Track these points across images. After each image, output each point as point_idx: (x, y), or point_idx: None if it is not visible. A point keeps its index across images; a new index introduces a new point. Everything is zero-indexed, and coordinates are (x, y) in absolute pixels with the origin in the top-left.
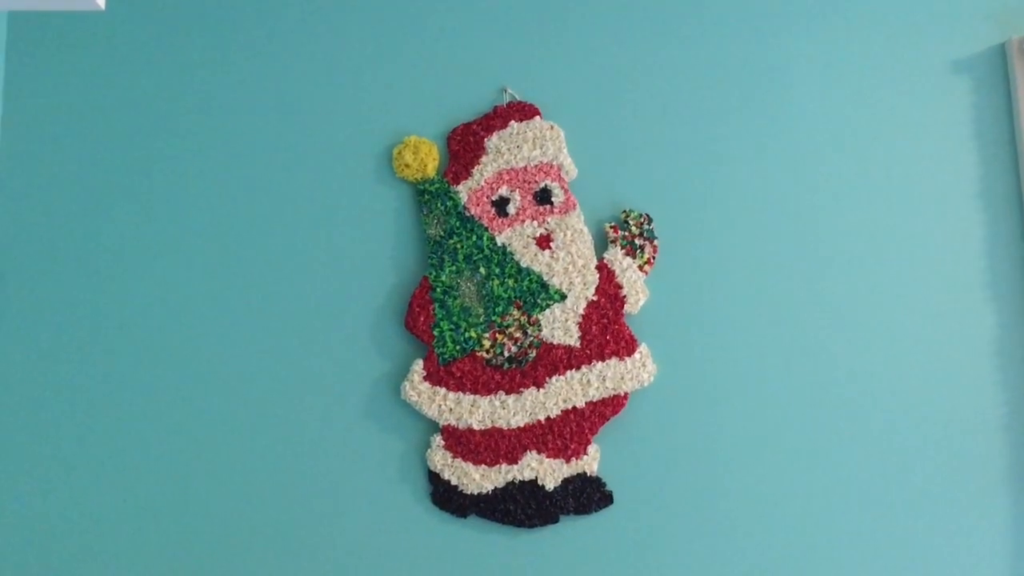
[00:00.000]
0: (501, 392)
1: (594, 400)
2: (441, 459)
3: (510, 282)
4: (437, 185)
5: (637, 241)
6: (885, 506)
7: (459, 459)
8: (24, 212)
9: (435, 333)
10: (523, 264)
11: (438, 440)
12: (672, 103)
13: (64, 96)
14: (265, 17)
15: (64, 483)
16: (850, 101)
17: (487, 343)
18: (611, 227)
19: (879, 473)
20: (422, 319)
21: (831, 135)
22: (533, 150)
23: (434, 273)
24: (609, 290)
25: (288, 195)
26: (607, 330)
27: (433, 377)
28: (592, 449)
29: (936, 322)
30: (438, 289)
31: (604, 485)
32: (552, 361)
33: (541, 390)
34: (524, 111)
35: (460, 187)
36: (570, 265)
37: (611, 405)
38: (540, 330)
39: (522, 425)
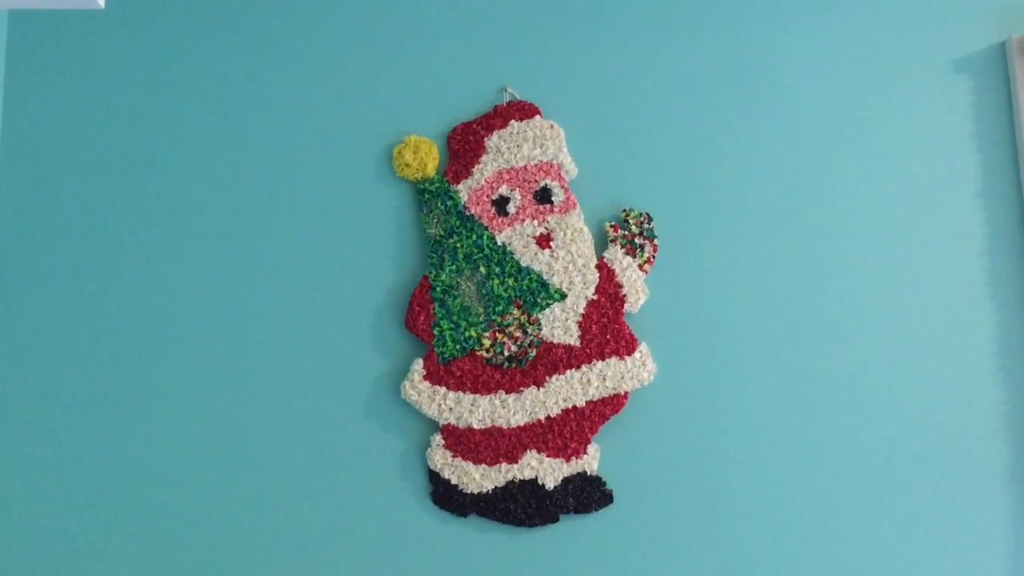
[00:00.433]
0: (501, 391)
1: (594, 399)
2: (441, 458)
3: (510, 281)
4: (437, 184)
5: (637, 240)
6: (885, 505)
7: (459, 458)
8: (25, 211)
9: (435, 332)
10: (523, 263)
11: (438, 439)
12: (672, 102)
13: (65, 95)
14: (266, 17)
15: (67, 483)
16: (850, 100)
17: (487, 342)
18: (611, 226)
19: (879, 472)
20: (422, 318)
21: (831, 134)
22: (533, 149)
23: (434, 272)
24: (609, 289)
25: (288, 195)
26: (607, 329)
27: (433, 376)
28: (592, 448)
29: (936, 320)
30: (438, 288)
31: (604, 484)
32: (552, 360)
33: (541, 389)
34: (524, 110)
35: (460, 186)
36: (570, 264)
37: (611, 404)
38: (540, 329)
39: (522, 424)
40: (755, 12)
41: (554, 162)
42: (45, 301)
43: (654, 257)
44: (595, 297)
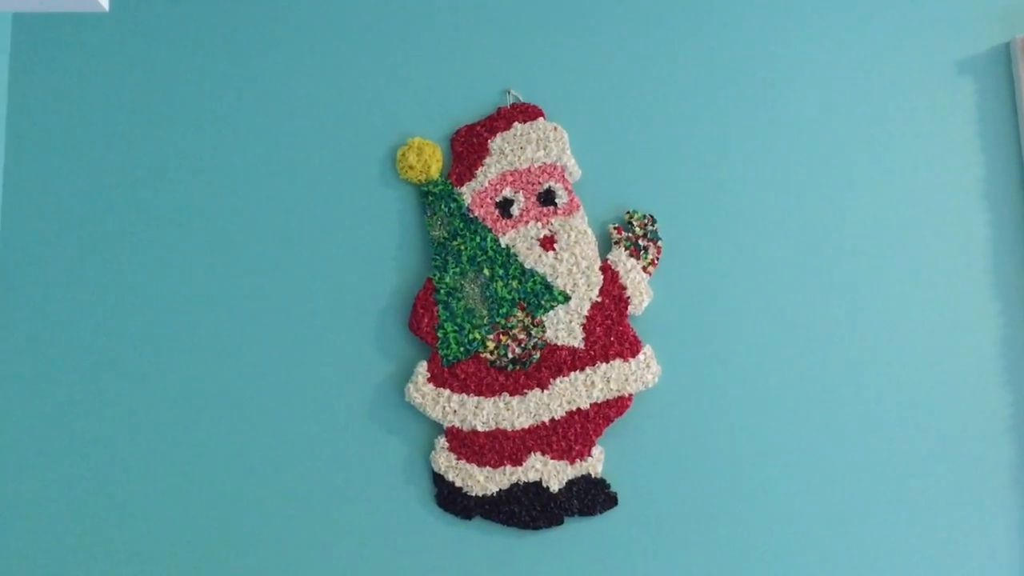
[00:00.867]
0: (505, 394)
1: (598, 401)
2: (445, 461)
3: (514, 283)
4: (441, 187)
5: (641, 242)
6: (891, 508)
7: (463, 461)
8: (30, 213)
9: (439, 335)
10: (527, 265)
11: (442, 442)
12: (675, 104)
13: (69, 97)
14: (269, 19)
15: (71, 488)
16: (854, 101)
17: (491, 345)
18: (615, 228)
19: (885, 475)
20: (426, 321)
21: (835, 135)
22: (537, 151)
23: (438, 275)
24: (613, 291)
25: (292, 197)
26: (611, 331)
27: (437, 379)
28: (596, 451)
29: (941, 322)
30: (442, 291)
31: (608, 487)
32: (556, 362)
33: (545, 392)
34: (527, 112)
35: (464, 189)
36: (574, 266)
37: (615, 406)
38: (544, 331)
39: (526, 427)
40: (759, 13)
41: (558, 164)
42: (51, 304)
43: (658, 259)
44: (599, 299)
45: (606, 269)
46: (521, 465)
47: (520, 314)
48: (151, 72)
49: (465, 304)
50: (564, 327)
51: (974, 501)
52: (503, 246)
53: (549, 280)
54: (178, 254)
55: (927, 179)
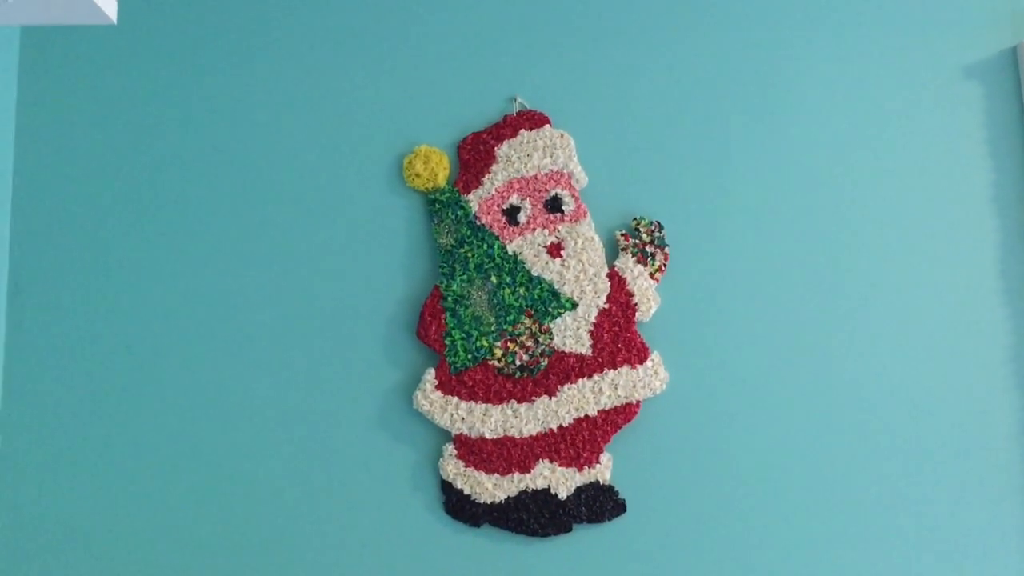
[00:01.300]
0: (513, 401)
1: (606, 408)
2: (453, 468)
3: (521, 291)
4: (448, 194)
5: (648, 249)
6: (900, 514)
7: (471, 468)
8: (40, 222)
9: (447, 342)
10: (534, 273)
11: (450, 449)
12: (682, 110)
13: (77, 108)
14: (276, 29)
15: (77, 491)
16: (861, 106)
17: (498, 352)
18: (622, 235)
19: (894, 482)
20: (433, 328)
21: (842, 141)
22: (543, 158)
23: (445, 282)
24: (620, 298)
25: (299, 205)
26: (619, 338)
27: (445, 386)
28: (605, 457)
29: (950, 328)
30: (449, 298)
31: (617, 494)
32: (564, 369)
33: (553, 399)
34: (534, 119)
35: (471, 196)
36: (581, 273)
37: (623, 413)
38: (551, 338)
39: (534, 434)
40: (765, 20)
41: (564, 171)
42: (61, 312)
43: (665, 265)
44: (606, 306)
45: (613, 276)
46: (529, 472)
47: (527, 321)
48: (159, 83)
49: (472, 311)
50: (572, 334)
51: (987, 512)
52: (510, 253)
53: (556, 287)
54: (185, 262)
55: (934, 184)
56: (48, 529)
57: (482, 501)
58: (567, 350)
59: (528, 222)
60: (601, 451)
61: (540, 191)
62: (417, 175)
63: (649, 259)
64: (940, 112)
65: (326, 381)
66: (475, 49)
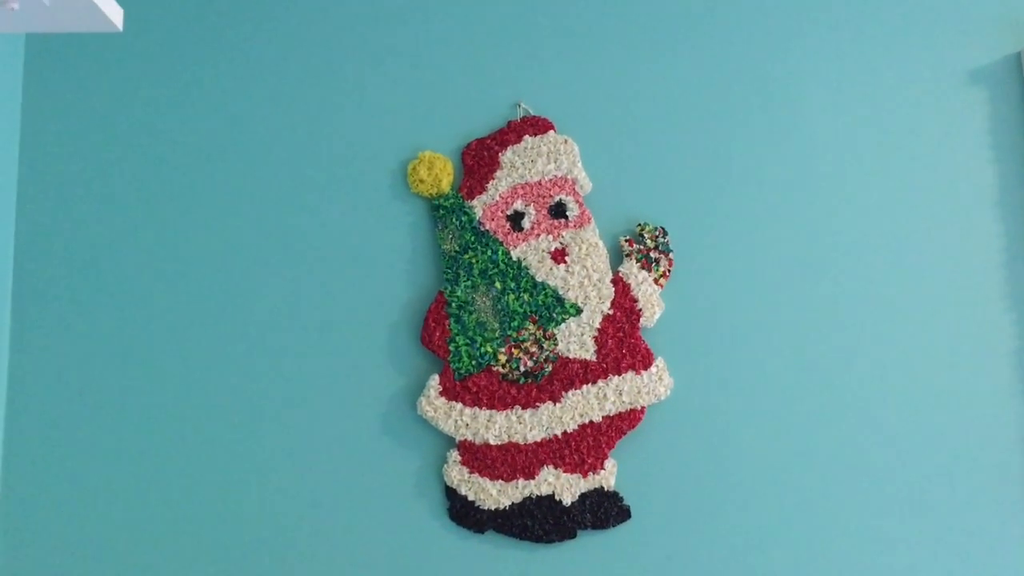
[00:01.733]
0: (517, 407)
1: (611, 414)
2: (458, 474)
3: (525, 296)
4: (452, 200)
5: (652, 254)
6: (905, 519)
7: (476, 474)
8: (45, 227)
9: (451, 348)
10: (538, 278)
11: (455, 455)
12: (686, 116)
13: (81, 115)
14: (280, 36)
15: (81, 497)
16: (866, 112)
17: (503, 358)
18: (626, 240)
19: (899, 486)
20: (438, 334)
21: (847, 146)
22: (547, 164)
23: (449, 288)
24: (625, 304)
25: (304, 211)
26: (623, 344)
27: (449, 392)
28: (609, 464)
29: (955, 333)
30: (453, 304)
31: (622, 500)
32: (568, 375)
33: (557, 404)
34: (538, 125)
35: (475, 202)
36: (585, 279)
37: (628, 419)
38: (556, 344)
39: (539, 440)
40: (769, 24)
41: (568, 177)
42: (67, 318)
43: (669, 271)
44: (611, 312)
45: (617, 281)
46: (534, 478)
47: (532, 327)
48: (164, 89)
49: (477, 317)
50: (576, 340)
51: (991, 514)
52: (514, 259)
53: (560, 293)
54: (190, 268)
55: (939, 189)
56: (51, 531)
57: (486, 507)
58: (571, 356)
59: (532, 228)
60: (606, 457)
61: (544, 197)
62: (421, 181)
63: (653, 265)
64: (944, 117)
65: (330, 387)
66: (479, 55)
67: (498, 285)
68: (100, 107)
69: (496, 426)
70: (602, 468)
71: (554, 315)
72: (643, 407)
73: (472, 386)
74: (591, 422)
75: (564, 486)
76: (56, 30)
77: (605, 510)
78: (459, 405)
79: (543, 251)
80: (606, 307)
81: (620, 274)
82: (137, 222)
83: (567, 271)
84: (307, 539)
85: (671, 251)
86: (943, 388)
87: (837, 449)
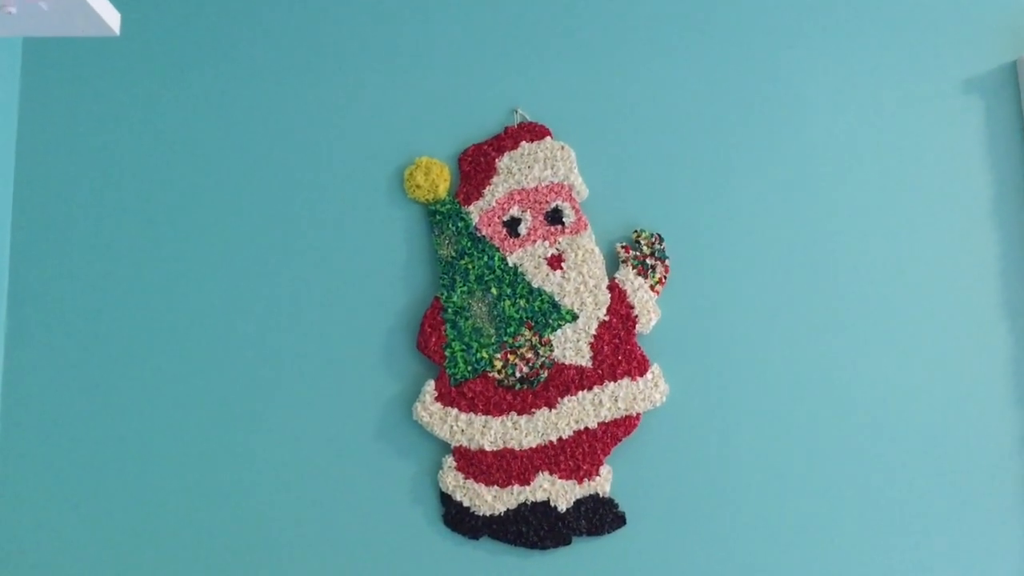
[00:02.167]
0: (513, 413)
1: (606, 421)
2: (453, 480)
3: (521, 302)
4: (448, 206)
5: (649, 261)
6: (902, 526)
7: (471, 480)
8: (41, 230)
9: (447, 354)
10: (534, 284)
11: (450, 461)
12: (683, 123)
13: (79, 118)
14: (278, 41)
15: (74, 498)
16: (863, 120)
17: (499, 364)
18: (622, 247)
19: (896, 493)
20: (433, 340)
21: (843, 154)
22: (544, 170)
23: (445, 294)
24: (621, 310)
25: (300, 216)
26: (619, 350)
27: (445, 398)
28: (604, 470)
29: (951, 340)
30: (449, 310)
31: (617, 506)
32: (564, 382)
33: (553, 411)
34: (535, 131)
35: (471, 208)
36: (581, 285)
37: (623, 426)
38: (552, 350)
39: (534, 446)
40: (766, 32)
41: (565, 183)
42: (62, 323)
43: (665, 278)
44: (607, 318)
45: (614, 288)
46: (529, 485)
47: (528, 333)
48: (159, 92)
49: (473, 323)
50: (572, 346)
51: (989, 521)
52: (510, 265)
53: (557, 299)
54: (185, 273)
55: (936, 197)
56: (49, 531)
57: (481, 513)
58: (567, 362)
59: (529, 234)
60: (601, 464)
61: (541, 203)
62: (418, 186)
63: (649, 271)
64: (941, 125)
65: (326, 392)
66: (476, 61)
67: (494, 291)
68: (97, 111)
69: (492, 432)
70: (597, 475)
71: (550, 321)
72: (639, 414)
73: (468, 392)
74: (587, 428)
75: (559, 492)
76: (53, 34)
77: (600, 517)
78: (455, 411)
79: (539, 257)
80: (602, 313)
81: (616, 280)
82: (134, 226)
83: (563, 277)
84: (302, 544)
85: (667, 258)
86: (940, 398)
87: (833, 456)
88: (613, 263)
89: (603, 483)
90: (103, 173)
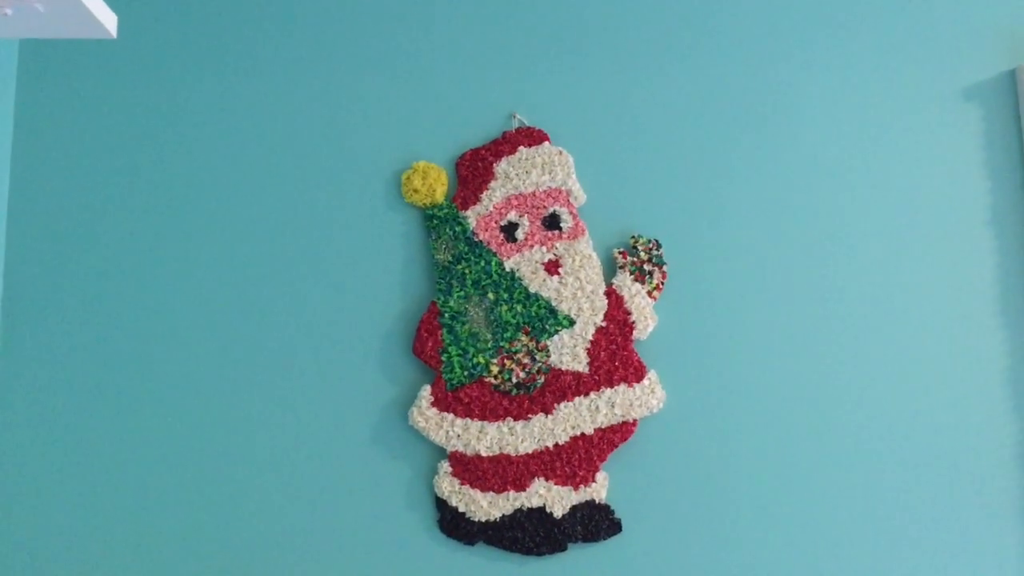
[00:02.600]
0: (509, 418)
1: (603, 427)
2: (449, 486)
3: (518, 307)
4: (446, 210)
5: (646, 267)
6: (900, 533)
7: (467, 486)
8: (36, 232)
9: (443, 359)
10: (531, 290)
11: (446, 466)
12: (681, 129)
13: (75, 120)
14: (275, 44)
15: (70, 499)
16: (860, 128)
17: (495, 369)
18: (620, 253)
19: (894, 499)
20: (430, 344)
21: (841, 162)
22: (542, 175)
23: (442, 298)
24: (618, 316)
25: (297, 220)
26: (616, 356)
27: (441, 403)
28: (600, 476)
29: (949, 348)
30: (446, 314)
31: (613, 513)
32: (560, 387)
33: (549, 416)
34: (533, 136)
35: (469, 212)
36: (579, 291)
37: (620, 432)
38: (548, 356)
39: (530, 452)
40: (765, 39)
41: (563, 188)
42: (56, 326)
43: (663, 284)
44: (604, 324)
45: (611, 294)
46: (525, 490)
47: (524, 338)
48: (156, 94)
49: (469, 328)
50: (569, 352)
51: (986, 527)
52: (508, 270)
53: (554, 304)
54: (181, 276)
55: (933, 205)
56: (46, 531)
57: (477, 519)
58: (564, 368)
59: (526, 239)
60: (597, 470)
61: (538, 208)
62: (415, 191)
63: (647, 277)
64: (939, 134)
65: (321, 397)
66: (474, 65)
67: (491, 296)
68: (94, 113)
69: (488, 437)
70: (593, 481)
71: (547, 326)
72: (635, 420)
73: (464, 397)
74: (583, 434)
75: (555, 498)
76: (49, 36)
77: (596, 523)
78: (451, 416)
79: (536, 262)
80: (599, 319)
81: (613, 286)
82: (130, 229)
83: (560, 283)
84: (297, 549)
85: (665, 264)
86: (937, 406)
87: (830, 462)
88: (610, 269)
89: (599, 489)
90: (100, 175)
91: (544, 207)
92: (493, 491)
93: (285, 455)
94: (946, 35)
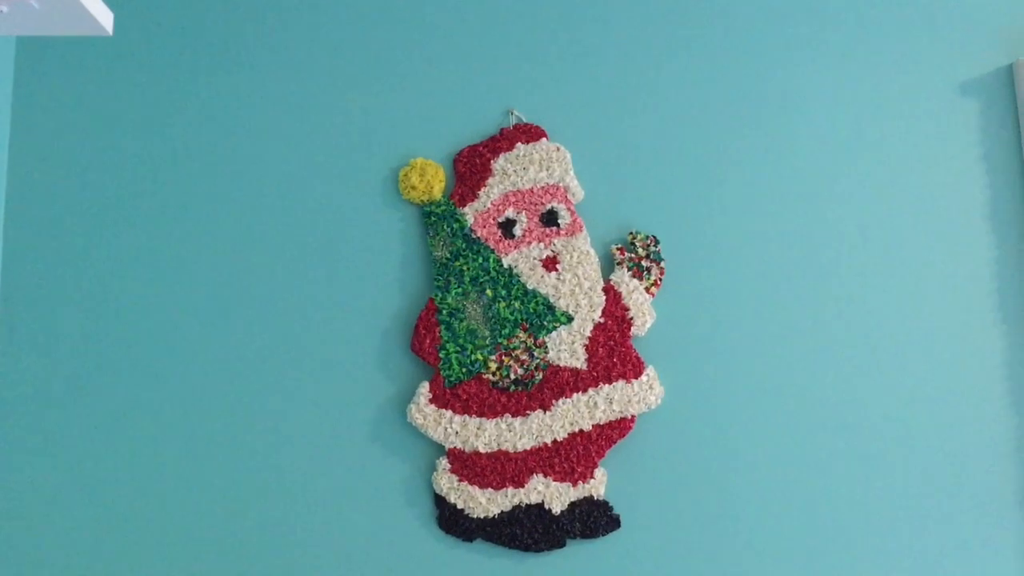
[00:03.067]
0: (507, 415)
1: (601, 423)
2: (447, 482)
3: (516, 304)
4: (443, 207)
5: (644, 263)
6: (898, 530)
7: (465, 482)
8: (33, 231)
9: (441, 355)
10: (529, 286)
11: (444, 463)
12: (679, 125)
13: (72, 118)
14: (271, 41)
15: (68, 504)
16: (858, 123)
17: (493, 365)
18: (618, 249)
19: (893, 496)
20: (428, 341)
21: (839, 157)
22: (539, 172)
23: (440, 295)
24: (616, 312)
25: (294, 217)
26: (614, 352)
27: (439, 400)
28: (599, 472)
29: (947, 343)
30: (444, 311)
31: (611, 509)
32: (559, 384)
33: (548, 413)
34: (530, 133)
35: (466, 209)
36: (576, 287)
37: (618, 428)
38: (547, 352)
39: (528, 448)
40: (762, 34)
41: (560, 185)
42: (53, 326)
43: (661, 280)
44: (602, 320)
45: (609, 290)
46: (523, 487)
47: (522, 335)
48: (153, 92)
49: (467, 325)
50: (567, 348)
51: (985, 526)
52: (505, 267)
53: (552, 301)
54: (179, 274)
55: (931, 200)
56: (43, 531)
57: (475, 516)
58: (562, 364)
59: (524, 235)
60: (595, 466)
61: (536, 204)
62: (413, 187)
63: (645, 273)
64: (937, 128)
65: (320, 394)
66: (472, 62)
67: (489, 292)
68: (90, 111)
69: (486, 434)
70: (592, 477)
71: (545, 323)
72: (633, 416)
73: (462, 394)
74: (581, 431)
75: (554, 495)
76: (46, 33)
77: (595, 519)
78: (449, 413)
79: (534, 259)
80: (597, 315)
81: (611, 283)
82: (127, 227)
83: (558, 279)
84: (296, 546)
85: (663, 260)
86: (935, 403)
87: (828, 458)
88: (608, 265)
89: (597, 485)
90: (97, 173)
91: (542, 203)
92: (492, 488)
93: (284, 452)
94: (944, 30)
